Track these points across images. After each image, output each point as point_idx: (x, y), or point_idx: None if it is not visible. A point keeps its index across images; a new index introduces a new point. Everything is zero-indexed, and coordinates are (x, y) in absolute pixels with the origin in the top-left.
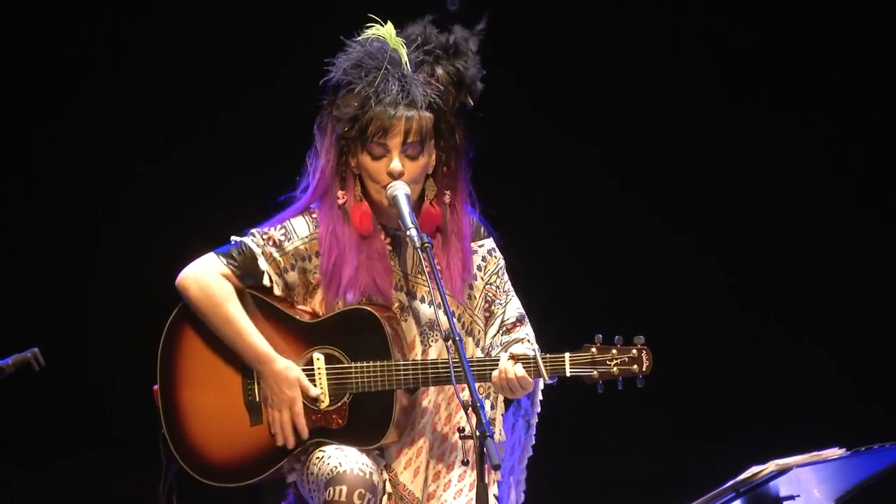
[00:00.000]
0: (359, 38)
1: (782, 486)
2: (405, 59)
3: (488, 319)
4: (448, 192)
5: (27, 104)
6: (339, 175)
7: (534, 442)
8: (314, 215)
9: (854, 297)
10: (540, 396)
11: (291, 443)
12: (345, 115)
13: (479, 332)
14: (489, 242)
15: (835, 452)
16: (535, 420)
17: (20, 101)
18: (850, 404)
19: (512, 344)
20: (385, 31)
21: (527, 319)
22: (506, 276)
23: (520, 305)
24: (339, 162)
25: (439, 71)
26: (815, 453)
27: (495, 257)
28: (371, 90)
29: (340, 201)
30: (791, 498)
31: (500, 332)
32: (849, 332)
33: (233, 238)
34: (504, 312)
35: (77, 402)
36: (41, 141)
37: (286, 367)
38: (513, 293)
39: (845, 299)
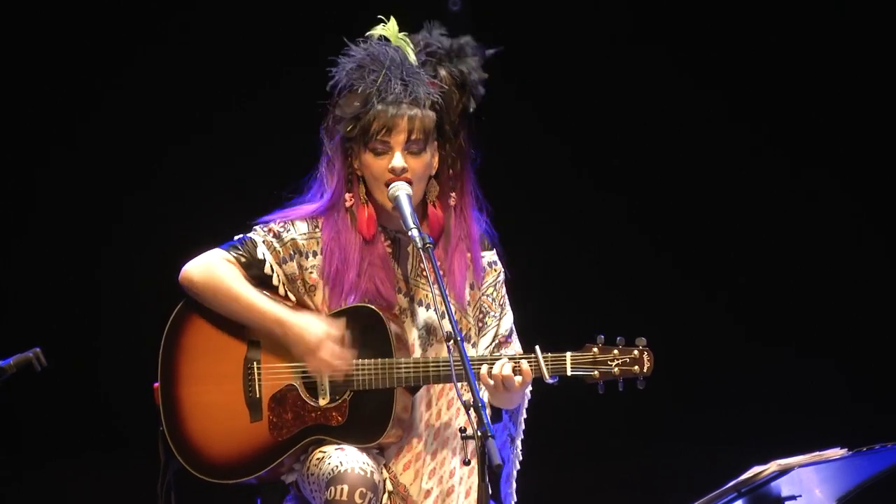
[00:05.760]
0: (362, 40)
1: (784, 486)
2: (411, 56)
3: (481, 329)
4: (453, 195)
5: (29, 105)
6: (345, 178)
7: (521, 458)
8: (317, 219)
9: (855, 298)
10: (524, 415)
11: (350, 366)
12: (347, 115)
13: (476, 341)
14: (490, 255)
15: (836, 452)
16: (519, 438)
17: (22, 102)
18: (851, 404)
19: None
20: (389, 29)
21: (515, 335)
22: (503, 290)
23: (512, 322)
24: (344, 165)
25: (442, 72)
26: (817, 453)
27: (495, 270)
28: (374, 89)
29: (348, 204)
30: (793, 498)
31: (494, 344)
32: (849, 332)
33: (236, 236)
34: (499, 326)
35: (79, 402)
36: (45, 141)
37: (302, 316)
38: (508, 308)
39: (846, 299)
